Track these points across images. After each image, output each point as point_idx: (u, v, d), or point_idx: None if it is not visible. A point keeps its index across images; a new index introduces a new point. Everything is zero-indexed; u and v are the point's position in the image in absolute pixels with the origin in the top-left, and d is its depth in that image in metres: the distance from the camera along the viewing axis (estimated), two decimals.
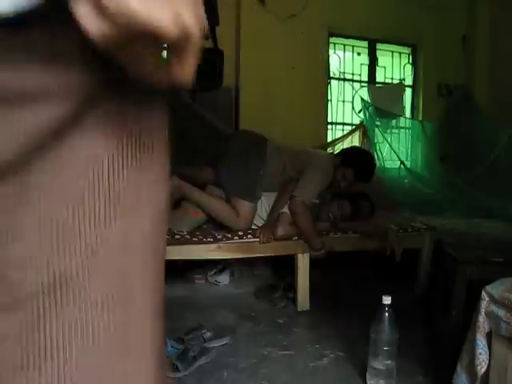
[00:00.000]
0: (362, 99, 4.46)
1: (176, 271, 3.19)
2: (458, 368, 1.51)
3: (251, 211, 2.73)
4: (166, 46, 0.36)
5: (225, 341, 2.21)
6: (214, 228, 2.74)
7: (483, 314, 1.42)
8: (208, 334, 2.19)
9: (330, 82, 4.54)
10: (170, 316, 2.48)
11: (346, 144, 4.22)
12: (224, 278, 3.17)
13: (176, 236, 2.54)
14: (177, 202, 2.78)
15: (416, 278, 3.01)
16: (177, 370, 1.88)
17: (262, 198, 2.80)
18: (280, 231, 2.63)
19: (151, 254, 0.54)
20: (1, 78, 0.36)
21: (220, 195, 2.79)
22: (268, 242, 2.64)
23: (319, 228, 2.70)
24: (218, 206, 2.73)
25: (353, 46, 4.73)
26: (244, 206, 2.70)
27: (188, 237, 2.56)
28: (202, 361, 1.98)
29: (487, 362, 1.40)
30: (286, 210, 2.68)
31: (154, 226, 0.52)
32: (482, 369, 1.40)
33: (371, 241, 2.85)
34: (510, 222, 3.33)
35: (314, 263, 2.72)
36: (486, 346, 1.41)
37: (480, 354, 1.41)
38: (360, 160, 2.89)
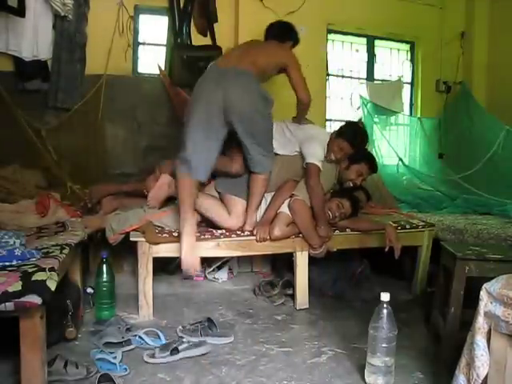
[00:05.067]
0: (361, 96, 4.45)
1: (175, 268, 3.20)
2: (456, 371, 1.50)
3: (243, 209, 2.70)
4: None
5: (227, 340, 2.20)
6: (213, 226, 2.73)
7: (482, 314, 1.42)
8: (210, 331, 2.21)
9: (328, 79, 4.53)
10: (168, 312, 2.53)
11: None
12: (223, 275, 3.17)
13: (174, 233, 2.54)
14: (168, 200, 2.78)
15: (415, 274, 3.02)
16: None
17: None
18: (276, 231, 2.62)
19: None
20: None
21: (216, 196, 2.78)
22: (264, 241, 2.64)
23: (320, 233, 2.68)
24: (210, 202, 2.71)
25: (351, 43, 4.72)
26: (237, 203, 2.69)
27: None
28: (189, 354, 1.98)
29: (489, 363, 1.40)
30: (283, 210, 2.68)
31: None
32: (484, 370, 1.39)
33: (370, 238, 2.85)
34: (508, 218, 3.33)
35: (312, 260, 2.73)
36: (487, 347, 1.41)
37: (482, 355, 1.40)
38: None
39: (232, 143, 2.70)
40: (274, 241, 2.65)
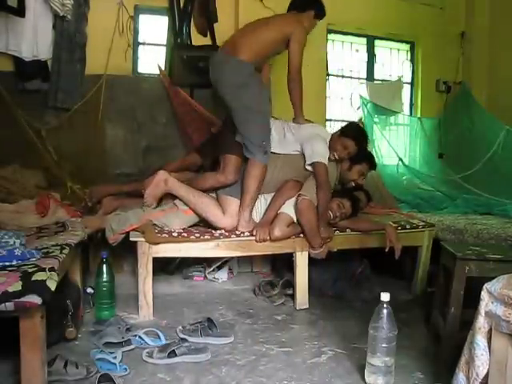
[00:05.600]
0: (361, 96, 4.45)
1: (175, 268, 3.20)
2: (456, 369, 1.51)
3: (237, 209, 2.69)
4: None
5: (227, 340, 2.19)
6: (210, 226, 2.73)
7: (483, 314, 1.42)
8: (210, 331, 2.20)
9: (328, 79, 4.53)
10: (168, 312, 2.53)
11: None
12: (222, 275, 3.17)
13: (174, 234, 2.54)
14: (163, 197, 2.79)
15: (415, 274, 3.02)
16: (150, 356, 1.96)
17: (262, 200, 2.79)
18: (277, 232, 2.62)
19: None
20: None
21: (213, 196, 2.78)
22: (264, 241, 2.64)
23: (322, 234, 2.68)
24: (205, 201, 2.70)
25: (351, 43, 4.72)
26: (231, 203, 2.69)
27: (186, 234, 2.56)
28: (186, 359, 1.97)
29: (490, 363, 1.40)
30: (283, 210, 2.68)
31: None
32: (484, 370, 1.39)
33: (370, 238, 2.85)
34: (508, 218, 3.33)
35: (312, 260, 2.72)
36: (487, 347, 1.41)
37: (482, 355, 1.40)
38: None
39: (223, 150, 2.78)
40: (274, 241, 2.65)
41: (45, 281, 1.46)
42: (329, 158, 2.85)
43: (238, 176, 2.72)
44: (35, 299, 1.40)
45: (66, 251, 1.86)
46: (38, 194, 2.67)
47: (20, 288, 1.40)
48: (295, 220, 2.68)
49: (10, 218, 2.33)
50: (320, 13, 3.06)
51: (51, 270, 1.55)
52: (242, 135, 2.68)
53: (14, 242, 1.78)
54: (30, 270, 1.51)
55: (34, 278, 1.46)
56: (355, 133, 2.96)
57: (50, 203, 2.49)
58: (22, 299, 1.39)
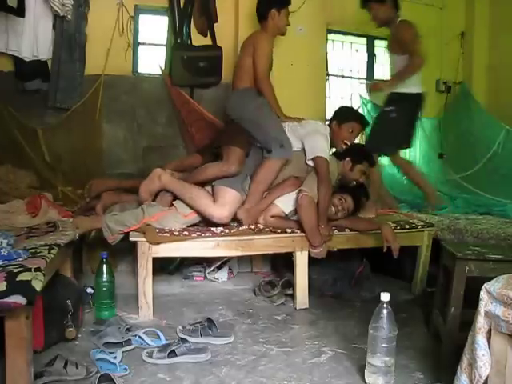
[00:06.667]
0: (361, 96, 4.45)
1: (175, 268, 3.20)
2: (458, 370, 1.50)
3: (232, 199, 2.69)
4: None
5: (227, 340, 2.19)
6: (212, 225, 2.72)
7: (482, 314, 1.42)
8: (210, 331, 2.20)
9: (328, 79, 4.52)
10: (168, 312, 2.52)
11: None
12: (222, 275, 3.17)
13: (174, 233, 2.53)
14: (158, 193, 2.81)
15: (415, 274, 3.02)
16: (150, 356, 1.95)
17: None
18: (261, 220, 2.75)
19: None
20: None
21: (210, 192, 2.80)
22: (253, 226, 2.72)
23: (322, 232, 2.69)
24: (196, 191, 2.70)
25: (351, 43, 4.72)
26: (226, 192, 2.69)
27: (187, 233, 2.56)
28: (186, 359, 1.97)
29: (491, 363, 1.39)
30: (276, 202, 2.75)
31: None
32: (486, 370, 1.38)
33: (370, 238, 2.84)
34: (508, 218, 3.33)
35: (312, 260, 2.72)
36: (488, 347, 1.40)
37: (483, 355, 1.39)
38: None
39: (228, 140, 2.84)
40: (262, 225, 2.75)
41: (30, 281, 1.44)
42: (338, 148, 3.00)
43: (241, 168, 2.76)
44: (20, 299, 1.39)
45: (54, 251, 1.84)
46: (31, 195, 2.67)
47: (4, 288, 1.39)
48: (286, 213, 2.76)
49: (0, 217, 2.32)
50: (281, 5, 3.15)
51: (37, 270, 1.53)
52: (257, 138, 2.87)
53: (1, 243, 1.75)
54: (16, 271, 1.49)
55: (18, 279, 1.44)
56: (353, 114, 3.09)
57: (41, 203, 2.47)
58: (7, 299, 1.38)
